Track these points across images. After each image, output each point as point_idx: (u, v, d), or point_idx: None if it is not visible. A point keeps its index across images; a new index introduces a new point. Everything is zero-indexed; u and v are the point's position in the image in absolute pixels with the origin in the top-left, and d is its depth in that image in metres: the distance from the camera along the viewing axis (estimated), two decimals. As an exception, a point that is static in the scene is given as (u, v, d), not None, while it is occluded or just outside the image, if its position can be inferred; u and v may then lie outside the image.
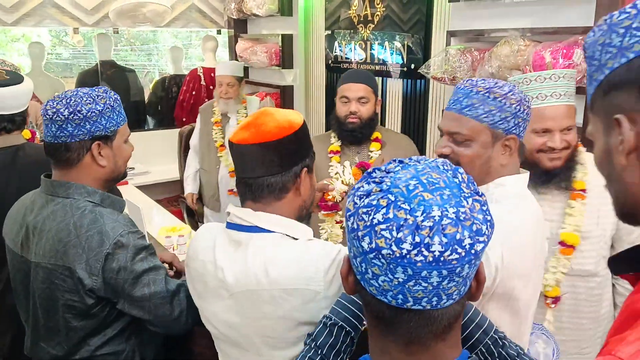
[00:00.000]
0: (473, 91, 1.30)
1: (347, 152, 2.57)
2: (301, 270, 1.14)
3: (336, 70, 3.86)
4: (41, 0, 4.16)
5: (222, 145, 3.62)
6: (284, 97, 4.32)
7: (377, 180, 0.73)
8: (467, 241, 0.67)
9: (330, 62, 3.88)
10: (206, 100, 4.55)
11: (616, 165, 0.71)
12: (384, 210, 0.68)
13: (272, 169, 1.21)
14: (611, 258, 0.79)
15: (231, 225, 1.24)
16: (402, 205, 0.68)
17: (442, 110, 3.00)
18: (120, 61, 5.56)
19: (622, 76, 0.68)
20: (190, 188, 3.78)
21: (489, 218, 0.71)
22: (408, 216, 0.67)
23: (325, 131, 4.10)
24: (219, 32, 5.04)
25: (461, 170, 0.75)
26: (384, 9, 3.34)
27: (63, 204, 1.48)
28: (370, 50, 3.50)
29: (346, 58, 3.71)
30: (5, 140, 1.99)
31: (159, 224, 3.13)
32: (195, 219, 4.01)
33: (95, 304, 1.48)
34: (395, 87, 3.37)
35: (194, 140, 3.82)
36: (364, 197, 0.72)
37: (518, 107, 1.27)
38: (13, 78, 1.99)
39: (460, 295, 0.72)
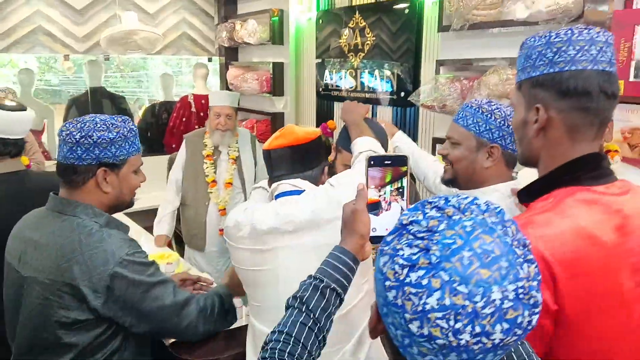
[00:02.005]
0: (469, 106, 1.61)
1: None
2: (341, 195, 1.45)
3: (327, 98, 3.89)
4: (32, 27, 4.18)
5: (214, 181, 3.33)
6: (275, 124, 4.33)
7: (420, 244, 0.65)
8: (527, 319, 0.63)
9: (320, 89, 3.91)
10: (197, 127, 4.54)
11: (528, 134, 1.07)
12: (437, 295, 0.61)
13: (305, 166, 1.56)
14: (520, 191, 1.13)
15: (282, 194, 1.54)
16: (459, 288, 0.61)
17: (432, 138, 3.03)
18: (110, 87, 5.56)
19: (547, 81, 1.02)
20: (165, 229, 3.32)
21: (539, 277, 0.67)
22: (466, 302, 0.61)
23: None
24: (210, 59, 5.07)
25: (506, 215, 0.70)
26: (374, 38, 3.39)
27: (70, 221, 1.51)
28: (361, 78, 3.53)
29: (337, 86, 3.74)
30: (10, 165, 2.06)
31: (146, 251, 3.08)
32: (183, 246, 3.95)
33: (91, 321, 1.48)
34: (385, 115, 3.40)
35: (176, 174, 3.40)
36: (408, 268, 0.64)
37: (502, 122, 1.53)
38: (19, 105, 2.12)
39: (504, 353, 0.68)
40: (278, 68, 4.25)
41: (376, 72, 3.41)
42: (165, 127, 4.97)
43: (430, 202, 0.70)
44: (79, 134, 1.48)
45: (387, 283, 0.66)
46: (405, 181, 1.09)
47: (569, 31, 1.00)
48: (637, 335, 1.00)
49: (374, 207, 1.11)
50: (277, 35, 4.15)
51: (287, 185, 1.55)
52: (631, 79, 1.95)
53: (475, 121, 1.56)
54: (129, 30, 4.15)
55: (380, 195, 1.11)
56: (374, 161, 1.10)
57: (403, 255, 0.65)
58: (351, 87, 3.62)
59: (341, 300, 1.10)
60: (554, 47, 1.00)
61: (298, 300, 1.06)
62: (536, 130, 1.05)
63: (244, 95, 4.76)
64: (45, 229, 1.52)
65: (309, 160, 1.58)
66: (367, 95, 3.50)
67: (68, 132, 1.50)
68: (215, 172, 3.34)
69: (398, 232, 0.69)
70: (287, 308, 1.08)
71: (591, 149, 1.04)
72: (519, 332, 0.63)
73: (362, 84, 3.53)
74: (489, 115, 1.55)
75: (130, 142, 1.57)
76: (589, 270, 0.95)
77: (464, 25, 2.59)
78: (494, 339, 0.61)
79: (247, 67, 4.68)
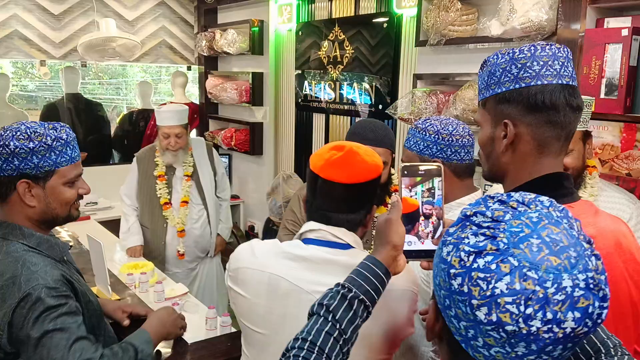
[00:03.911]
0: (412, 128, 1.66)
1: None
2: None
3: (306, 109, 3.90)
4: (8, 32, 4.11)
5: (167, 203, 3.17)
6: (254, 133, 4.33)
7: (487, 232, 0.64)
8: (597, 311, 0.61)
9: (300, 100, 3.92)
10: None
11: (497, 149, 1.08)
12: (507, 279, 0.60)
13: (353, 207, 1.31)
14: None
15: (319, 242, 1.30)
16: (529, 274, 0.59)
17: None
18: (88, 94, 5.50)
19: (513, 96, 1.03)
20: (137, 240, 3.14)
21: (606, 274, 0.65)
22: (537, 287, 0.59)
23: (295, 169, 4.11)
24: (189, 68, 5.06)
25: (570, 213, 0.69)
26: (353, 51, 3.42)
27: None
28: (340, 90, 3.56)
29: (316, 97, 3.76)
30: None
31: (121, 260, 3.04)
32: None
33: (10, 356, 1.36)
34: (363, 127, 3.42)
35: (126, 192, 3.23)
36: (475, 255, 0.63)
37: (436, 136, 1.58)
38: None
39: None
40: (257, 78, 4.26)
41: (355, 84, 3.44)
42: (142, 135, 4.92)
43: (493, 197, 0.69)
44: None
45: (452, 271, 0.64)
46: (440, 191, 1.08)
47: (532, 47, 1.02)
48: None
49: (410, 219, 1.07)
50: (256, 46, 4.16)
51: (327, 234, 1.30)
52: (602, 96, 2.00)
53: (415, 141, 1.63)
54: (107, 37, 4.11)
55: (414, 197, 1.07)
56: (408, 171, 1.08)
57: (469, 242, 0.64)
58: (330, 99, 3.64)
59: (368, 314, 1.03)
60: (518, 63, 1.02)
61: (324, 309, 0.99)
62: (505, 145, 1.06)
63: (222, 104, 4.75)
64: None
65: (359, 201, 1.32)
66: (346, 107, 3.52)
67: None
68: (169, 192, 3.19)
69: (461, 223, 0.68)
70: (311, 315, 1.01)
71: (556, 165, 1.06)
72: (590, 323, 0.61)
73: (341, 95, 3.56)
74: (424, 133, 1.60)
75: (57, 152, 1.43)
76: None
77: (441, 40, 2.63)
78: (565, 328, 0.59)
79: (226, 76, 4.68)
